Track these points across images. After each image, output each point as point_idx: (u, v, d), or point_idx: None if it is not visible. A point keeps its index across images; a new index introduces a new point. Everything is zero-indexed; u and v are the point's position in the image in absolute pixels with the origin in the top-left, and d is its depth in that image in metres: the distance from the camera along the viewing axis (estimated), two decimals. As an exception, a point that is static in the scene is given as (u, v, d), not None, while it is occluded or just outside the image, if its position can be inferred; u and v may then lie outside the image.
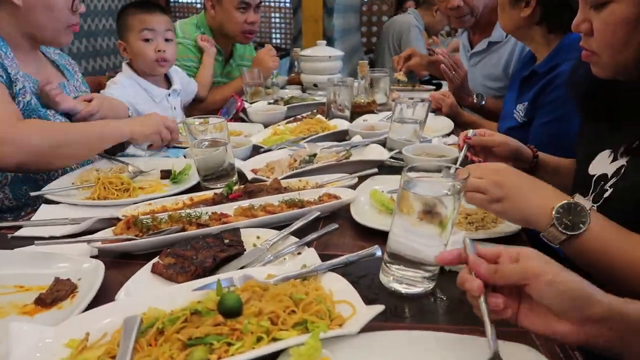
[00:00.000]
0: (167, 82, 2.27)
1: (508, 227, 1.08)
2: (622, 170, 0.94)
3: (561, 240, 0.86)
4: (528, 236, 1.06)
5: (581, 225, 0.84)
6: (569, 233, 0.84)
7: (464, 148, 1.30)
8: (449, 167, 0.88)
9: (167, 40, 2.13)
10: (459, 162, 1.29)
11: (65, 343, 0.71)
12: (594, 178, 1.02)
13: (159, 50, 2.09)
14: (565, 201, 0.86)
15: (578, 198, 1.04)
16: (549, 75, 1.58)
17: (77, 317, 0.77)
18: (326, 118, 2.04)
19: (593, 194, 1.01)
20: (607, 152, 1.03)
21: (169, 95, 2.23)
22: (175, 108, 2.25)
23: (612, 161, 0.99)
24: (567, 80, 1.22)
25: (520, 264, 0.66)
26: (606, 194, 0.96)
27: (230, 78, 2.83)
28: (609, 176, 0.98)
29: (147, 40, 2.08)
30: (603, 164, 1.02)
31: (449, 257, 0.73)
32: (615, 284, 0.81)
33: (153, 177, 1.50)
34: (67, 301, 0.87)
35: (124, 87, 2.08)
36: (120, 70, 2.22)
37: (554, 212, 0.85)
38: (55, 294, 0.87)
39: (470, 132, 1.33)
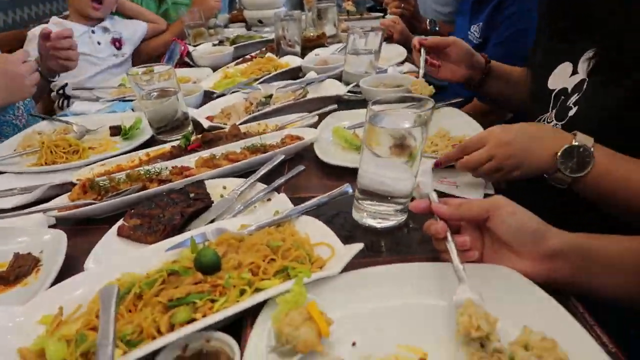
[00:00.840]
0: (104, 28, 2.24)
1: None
2: (584, 86, 0.95)
3: (568, 182, 0.86)
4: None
5: (586, 166, 0.84)
6: (574, 175, 0.84)
7: (423, 52, 1.31)
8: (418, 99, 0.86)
9: None
10: (421, 67, 1.30)
11: (38, 320, 0.67)
12: (554, 93, 1.03)
13: None
14: (567, 145, 0.84)
15: (543, 117, 1.05)
16: None
17: (46, 292, 0.73)
18: (276, 56, 1.97)
19: (554, 110, 1.01)
20: (566, 64, 1.02)
21: (93, 32, 2.22)
22: (99, 43, 2.25)
23: (572, 74, 0.99)
24: None
25: (483, 200, 0.69)
26: (571, 112, 0.96)
27: (167, 18, 2.65)
28: (569, 90, 0.98)
29: None
30: (562, 78, 1.01)
31: (421, 206, 0.75)
32: (627, 214, 0.83)
33: (102, 135, 1.42)
34: (32, 276, 0.82)
35: (35, 35, 1.99)
36: (46, 22, 2.10)
37: (558, 159, 0.85)
38: (18, 270, 0.82)
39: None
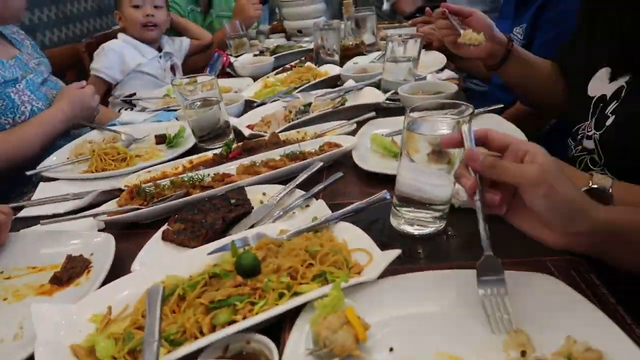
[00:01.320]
0: (159, 50, 2.41)
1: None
2: (622, 94, 0.92)
3: None
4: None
5: None
6: None
7: (453, 19, 1.30)
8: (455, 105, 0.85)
9: (156, 6, 2.32)
10: (457, 25, 1.29)
11: (88, 319, 0.71)
12: (594, 100, 1.00)
13: (147, 15, 2.28)
14: (585, 188, 0.82)
15: (583, 126, 1.02)
16: None
17: (96, 292, 0.77)
18: (315, 65, 1.99)
19: (594, 118, 0.99)
20: (605, 70, 0.99)
21: (160, 57, 2.35)
22: (165, 70, 2.36)
23: (611, 81, 0.97)
24: None
25: (521, 167, 0.62)
26: (608, 122, 0.94)
27: (212, 30, 2.74)
28: (608, 97, 0.96)
29: (136, 6, 2.29)
30: (602, 84, 0.99)
31: (454, 139, 0.70)
32: None
33: (148, 144, 1.47)
34: (83, 277, 0.87)
35: (113, 49, 2.26)
36: (96, 35, 2.26)
37: None
38: (70, 272, 0.87)
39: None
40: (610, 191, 0.82)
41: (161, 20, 2.35)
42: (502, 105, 1.36)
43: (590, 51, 1.06)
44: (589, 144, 0.99)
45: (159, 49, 2.41)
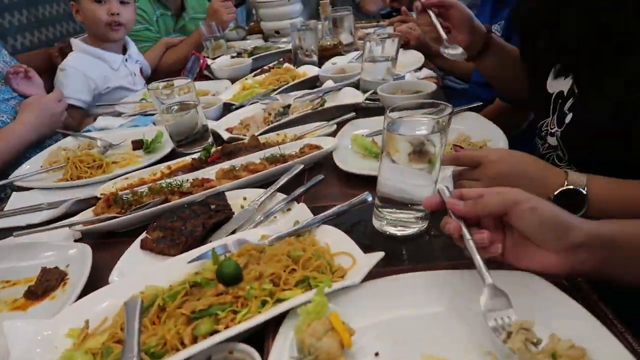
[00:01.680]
0: (124, 49, 2.17)
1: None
2: (575, 90, 0.93)
3: None
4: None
5: (578, 211, 0.82)
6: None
7: (432, 15, 1.26)
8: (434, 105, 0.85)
9: (122, 2, 2.01)
10: (440, 30, 1.25)
11: (65, 333, 0.69)
12: (553, 96, 1.00)
13: (112, 14, 1.96)
14: (559, 189, 0.83)
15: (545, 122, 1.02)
16: None
17: (73, 305, 0.74)
18: (294, 66, 1.98)
19: (555, 115, 0.99)
20: (559, 67, 1.00)
21: (126, 60, 2.13)
22: (134, 74, 2.17)
23: (566, 77, 0.98)
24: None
25: (500, 194, 0.65)
26: (567, 119, 0.94)
27: (185, 33, 2.69)
28: (565, 94, 0.96)
29: (97, 1, 1.96)
30: (558, 80, 0.99)
31: (433, 201, 0.72)
32: None
33: (124, 150, 1.44)
34: (59, 290, 0.84)
35: (75, 67, 1.98)
36: (69, 39, 2.13)
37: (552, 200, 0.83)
38: (46, 284, 0.84)
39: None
40: (586, 191, 0.82)
41: (128, 19, 2.07)
42: (481, 103, 1.36)
43: (546, 48, 1.05)
44: (552, 141, 1.00)
45: (123, 49, 2.18)
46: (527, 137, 1.54)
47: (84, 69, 1.99)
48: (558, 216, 0.63)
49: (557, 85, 1.00)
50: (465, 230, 0.67)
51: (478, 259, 0.65)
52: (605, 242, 0.64)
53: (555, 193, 0.83)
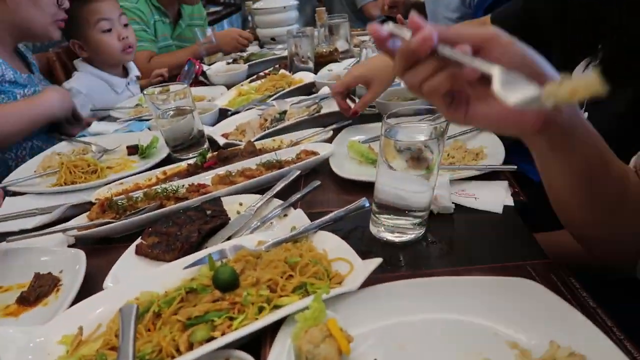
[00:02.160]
0: (124, 70, 2.17)
1: (489, 161, 1.09)
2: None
3: None
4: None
5: None
6: None
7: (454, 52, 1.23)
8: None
9: (124, 25, 2.03)
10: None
11: (58, 340, 0.68)
12: None
13: (123, 38, 1.99)
14: None
15: None
16: None
17: (66, 311, 0.73)
18: (289, 72, 1.98)
19: None
20: (580, 68, 0.97)
21: (129, 84, 2.15)
22: (134, 94, 2.18)
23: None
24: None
25: (475, 28, 0.55)
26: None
27: (181, 40, 2.69)
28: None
29: (106, 31, 1.96)
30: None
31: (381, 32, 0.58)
32: None
33: (119, 155, 1.43)
34: (52, 296, 0.83)
35: (78, 89, 1.97)
36: (66, 45, 2.11)
37: None
38: (38, 290, 0.83)
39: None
40: None
41: (134, 39, 2.07)
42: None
43: (566, 47, 1.02)
44: None
45: (124, 71, 2.16)
46: (520, 142, 1.54)
47: (86, 90, 1.97)
48: (536, 54, 0.55)
49: None
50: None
51: (469, 60, 0.52)
52: (565, 130, 0.59)
53: None
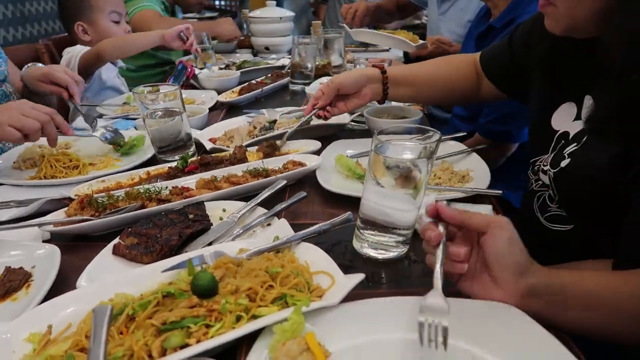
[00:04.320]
0: None
1: (475, 184, 1.09)
2: (584, 138, 0.90)
3: None
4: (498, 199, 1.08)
5: None
6: None
7: (312, 112, 1.30)
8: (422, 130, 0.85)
9: (127, 22, 2.19)
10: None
11: (25, 338, 0.65)
12: (557, 135, 0.98)
13: (127, 32, 2.13)
14: None
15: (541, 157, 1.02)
16: (506, 30, 1.57)
17: (36, 308, 0.71)
18: (291, 79, 2.00)
19: (553, 153, 0.97)
20: (569, 104, 0.98)
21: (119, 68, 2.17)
22: (123, 84, 2.19)
23: (575, 119, 0.95)
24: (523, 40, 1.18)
25: (486, 215, 0.70)
26: (563, 163, 0.92)
27: None
28: (570, 137, 0.94)
29: (115, 22, 2.10)
30: (566, 120, 0.98)
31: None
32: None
33: (103, 152, 1.40)
34: (22, 292, 0.80)
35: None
36: (55, 37, 2.09)
37: None
38: (8, 285, 0.80)
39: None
40: None
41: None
42: (464, 134, 1.38)
43: (551, 84, 1.04)
44: (545, 179, 0.98)
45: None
46: (507, 170, 1.56)
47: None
48: (521, 256, 0.68)
49: (563, 124, 0.98)
50: (444, 239, 0.70)
51: (438, 267, 0.68)
52: (556, 289, 0.68)
53: None
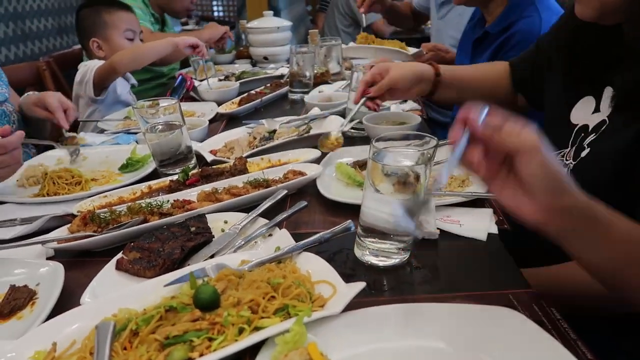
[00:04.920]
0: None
1: (475, 188, 1.10)
2: (603, 128, 0.92)
3: None
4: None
5: None
6: None
7: (361, 102, 1.29)
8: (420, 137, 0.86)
9: (141, 40, 2.24)
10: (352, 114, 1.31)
11: (30, 356, 0.66)
12: (576, 128, 1.00)
13: None
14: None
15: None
16: (503, 36, 1.58)
17: (41, 326, 0.71)
18: (290, 87, 2.01)
19: (574, 147, 0.98)
20: (588, 99, 0.99)
21: (132, 86, 2.22)
22: (134, 100, 2.20)
23: (594, 111, 0.96)
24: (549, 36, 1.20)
25: (520, 132, 0.63)
26: (583, 153, 0.94)
27: None
28: (590, 129, 0.96)
29: (130, 40, 2.16)
30: (584, 113, 0.99)
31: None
32: None
33: (105, 168, 1.41)
34: (27, 310, 0.81)
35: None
36: (56, 54, 2.11)
37: None
38: (13, 303, 0.80)
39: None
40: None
41: None
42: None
43: (570, 80, 1.05)
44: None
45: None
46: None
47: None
48: (560, 177, 0.63)
49: (582, 118, 0.99)
50: (464, 139, 0.65)
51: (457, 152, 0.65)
52: (589, 217, 0.65)
53: None
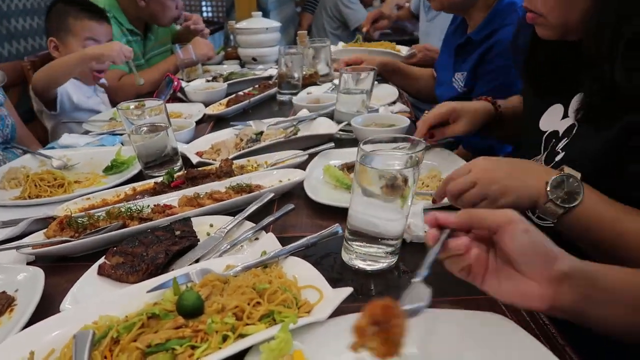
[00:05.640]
0: None
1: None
2: (574, 131, 0.94)
3: (559, 215, 0.82)
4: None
5: (576, 197, 0.81)
6: (565, 206, 0.81)
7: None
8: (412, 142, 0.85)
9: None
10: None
11: (7, 366, 0.64)
12: (545, 135, 1.02)
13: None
14: (557, 175, 0.82)
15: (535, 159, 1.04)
16: (486, 43, 1.57)
17: (19, 334, 0.69)
18: (279, 89, 2.00)
19: (545, 153, 1.00)
20: (557, 106, 1.01)
21: (95, 89, 2.15)
22: (106, 103, 2.17)
23: (563, 117, 0.98)
24: (511, 46, 1.20)
25: (495, 211, 0.63)
26: (557, 157, 0.95)
27: (153, 57, 2.67)
28: (560, 134, 0.97)
29: (95, 41, 2.03)
30: (554, 120, 1.01)
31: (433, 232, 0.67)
32: (605, 256, 0.80)
33: (89, 169, 1.39)
34: (5, 317, 0.78)
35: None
36: (41, 53, 2.07)
37: (548, 187, 0.82)
38: (-10, 310, 0.78)
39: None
40: (580, 180, 0.82)
41: (107, 75, 2.13)
42: (452, 140, 1.38)
43: (539, 89, 1.09)
44: None
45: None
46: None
47: (65, 89, 1.97)
48: (547, 243, 0.61)
49: (551, 124, 1.01)
50: (444, 235, 0.64)
51: (433, 253, 0.63)
52: (588, 278, 0.62)
53: (554, 177, 0.82)
